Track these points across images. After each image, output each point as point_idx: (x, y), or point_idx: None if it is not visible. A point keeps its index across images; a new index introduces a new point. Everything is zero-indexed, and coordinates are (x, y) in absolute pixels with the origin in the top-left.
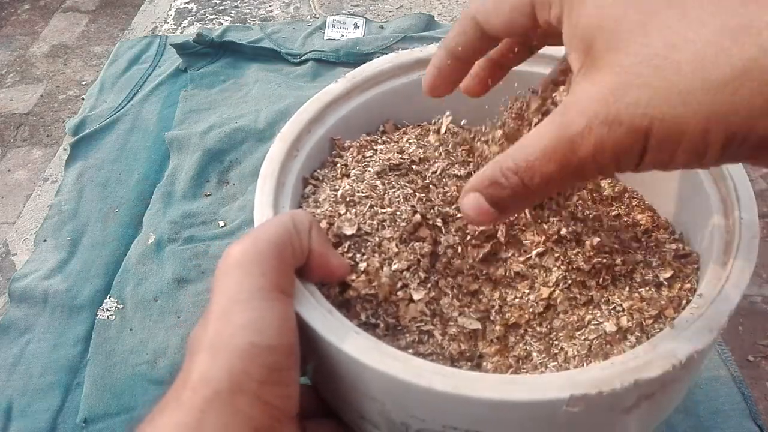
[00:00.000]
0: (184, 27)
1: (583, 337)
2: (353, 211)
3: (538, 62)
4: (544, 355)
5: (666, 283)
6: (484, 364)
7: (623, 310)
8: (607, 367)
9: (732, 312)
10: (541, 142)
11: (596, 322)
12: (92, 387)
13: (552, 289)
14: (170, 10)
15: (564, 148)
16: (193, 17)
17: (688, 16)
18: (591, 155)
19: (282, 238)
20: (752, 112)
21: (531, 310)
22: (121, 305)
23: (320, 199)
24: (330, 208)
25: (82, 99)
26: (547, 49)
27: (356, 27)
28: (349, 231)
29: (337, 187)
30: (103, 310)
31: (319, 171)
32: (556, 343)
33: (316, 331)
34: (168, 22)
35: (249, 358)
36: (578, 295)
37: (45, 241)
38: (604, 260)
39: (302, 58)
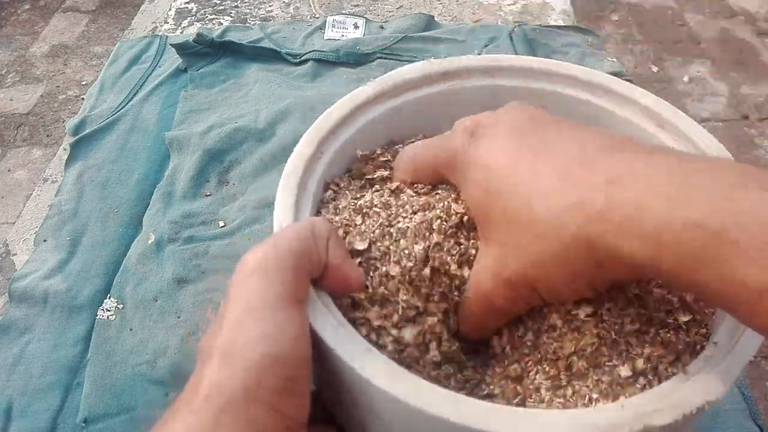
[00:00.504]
0: (184, 27)
1: (596, 378)
2: (368, 222)
3: (538, 78)
4: (551, 391)
5: (684, 327)
6: (490, 385)
7: (641, 354)
8: (618, 410)
9: (748, 363)
10: (469, 304)
11: (611, 364)
12: (92, 387)
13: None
14: (170, 10)
15: (483, 301)
16: (193, 17)
17: (528, 202)
18: (507, 304)
19: (301, 247)
20: (589, 268)
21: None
22: (121, 305)
23: (340, 206)
24: (348, 216)
25: (82, 99)
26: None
27: (356, 27)
28: (360, 246)
29: (358, 196)
30: (103, 310)
31: (341, 176)
32: (567, 379)
33: (327, 344)
34: (168, 22)
35: (264, 369)
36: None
37: (45, 241)
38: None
39: (302, 58)
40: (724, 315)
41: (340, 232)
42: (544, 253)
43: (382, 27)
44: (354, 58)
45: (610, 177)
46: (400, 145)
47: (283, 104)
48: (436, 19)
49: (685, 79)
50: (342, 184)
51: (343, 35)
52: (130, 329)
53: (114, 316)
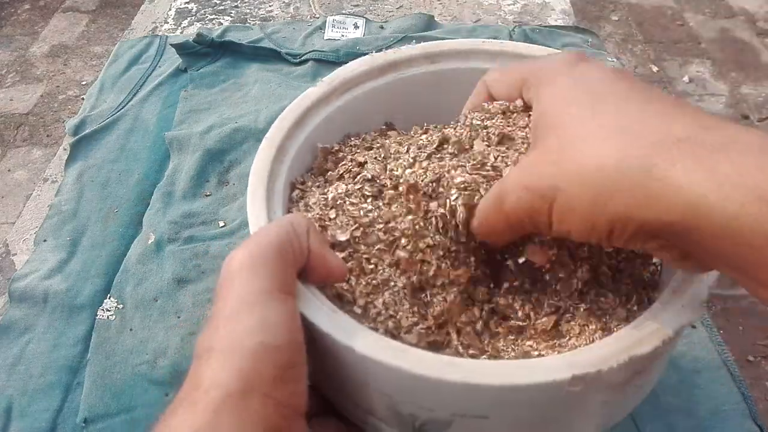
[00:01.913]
0: (184, 27)
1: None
2: (342, 216)
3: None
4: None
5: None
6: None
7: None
8: (603, 347)
9: (711, 285)
10: (487, 198)
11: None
12: (92, 387)
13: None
14: (170, 10)
15: (498, 201)
16: (193, 17)
17: (596, 115)
18: (512, 210)
19: (283, 240)
20: (628, 197)
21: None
22: (121, 305)
23: (310, 203)
24: (320, 212)
25: (82, 99)
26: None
27: (356, 27)
28: (342, 237)
29: (326, 191)
30: (103, 310)
31: (305, 175)
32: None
33: (323, 330)
34: (168, 22)
35: (259, 358)
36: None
37: (45, 241)
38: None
39: (302, 58)
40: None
41: (316, 226)
42: (588, 165)
43: (382, 27)
44: (354, 58)
45: (700, 122)
46: (355, 138)
47: (283, 104)
48: (436, 19)
49: (685, 79)
50: (308, 183)
51: (343, 35)
52: (130, 329)
53: (114, 316)
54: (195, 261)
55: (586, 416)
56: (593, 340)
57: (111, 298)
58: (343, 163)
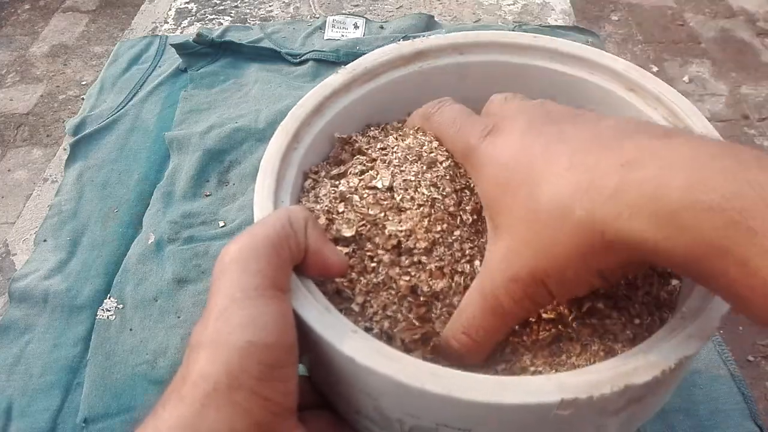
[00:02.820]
0: (184, 27)
1: (579, 349)
2: (350, 213)
3: (557, 59)
4: (540, 359)
5: (657, 296)
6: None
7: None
8: (598, 372)
9: (722, 318)
10: (473, 305)
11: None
12: (92, 387)
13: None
14: (170, 10)
15: (491, 305)
16: (193, 17)
17: (535, 188)
18: (512, 304)
19: (279, 235)
20: (599, 254)
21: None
22: (121, 305)
23: (320, 195)
24: (329, 204)
25: (82, 99)
26: (558, 44)
27: (356, 27)
28: (347, 233)
29: (338, 183)
30: (103, 310)
31: (320, 165)
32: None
33: (314, 329)
34: (168, 22)
35: (247, 356)
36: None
37: (45, 241)
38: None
39: (302, 58)
40: (691, 287)
41: (323, 219)
42: (552, 241)
43: (382, 27)
44: (354, 58)
45: (625, 160)
46: (375, 129)
47: (283, 104)
48: (436, 19)
49: (685, 79)
50: (322, 173)
51: (343, 35)
52: (130, 329)
53: (114, 316)
54: (195, 261)
55: None
56: (594, 362)
57: (111, 298)
58: (357, 156)
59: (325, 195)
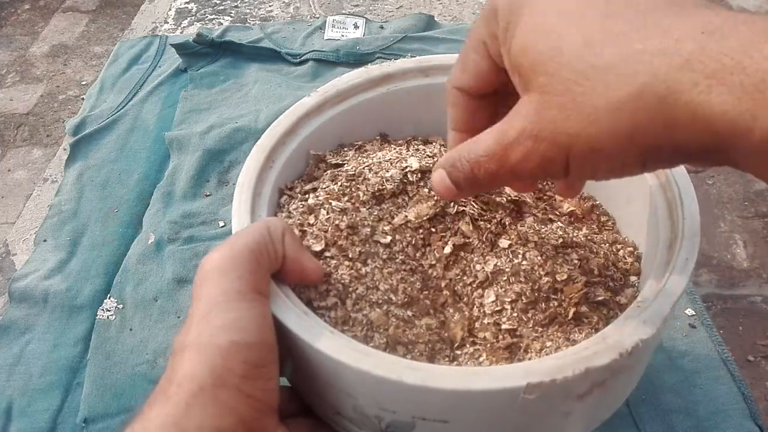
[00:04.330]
0: (184, 27)
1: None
2: (320, 220)
3: None
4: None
5: (615, 288)
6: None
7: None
8: (561, 357)
9: (675, 302)
10: (486, 144)
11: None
12: (92, 387)
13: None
14: (170, 10)
15: (501, 153)
16: (193, 17)
17: (592, 43)
18: (521, 162)
19: (257, 243)
20: (656, 129)
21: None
22: (121, 305)
23: (291, 209)
24: (300, 218)
25: (82, 99)
26: None
27: (356, 27)
28: (317, 247)
29: (307, 197)
30: (103, 310)
31: (295, 182)
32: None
33: (292, 331)
34: (168, 22)
35: (230, 355)
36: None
37: (45, 241)
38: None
39: (302, 58)
40: (654, 260)
41: (297, 232)
42: (601, 105)
43: (382, 27)
44: (354, 58)
45: (705, 27)
46: (349, 148)
47: (283, 104)
48: (436, 19)
49: None
50: (296, 189)
51: (343, 35)
52: (130, 329)
53: (114, 316)
54: (195, 261)
55: (548, 427)
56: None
57: (111, 298)
58: (328, 171)
59: (295, 209)
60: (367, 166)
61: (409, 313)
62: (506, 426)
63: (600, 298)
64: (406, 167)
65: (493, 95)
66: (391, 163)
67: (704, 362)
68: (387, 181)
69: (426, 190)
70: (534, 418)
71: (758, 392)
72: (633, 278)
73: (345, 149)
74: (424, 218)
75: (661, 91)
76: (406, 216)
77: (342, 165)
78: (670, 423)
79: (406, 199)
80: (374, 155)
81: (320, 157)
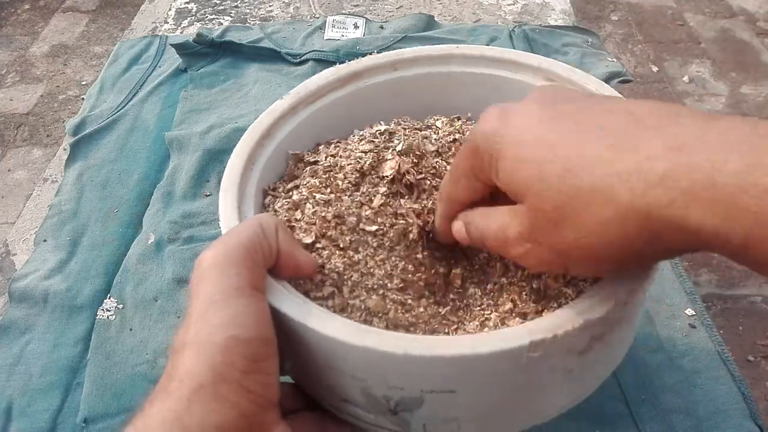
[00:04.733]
0: (184, 27)
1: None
2: (307, 214)
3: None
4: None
5: None
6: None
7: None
8: (559, 315)
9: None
10: (494, 228)
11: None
12: (92, 387)
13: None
14: (170, 10)
15: (502, 242)
16: (193, 17)
17: (572, 168)
18: (523, 257)
19: (251, 240)
20: (644, 239)
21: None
22: (121, 305)
23: (277, 207)
24: (286, 215)
25: (82, 99)
26: (527, 58)
27: (356, 27)
28: (307, 240)
29: (291, 194)
30: (103, 310)
31: (277, 182)
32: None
33: (293, 319)
34: (168, 22)
35: (230, 351)
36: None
37: (45, 241)
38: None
39: (302, 58)
40: None
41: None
42: (590, 222)
43: (382, 27)
44: (354, 58)
45: (672, 143)
46: (325, 146)
47: None
48: (436, 19)
49: (685, 79)
50: (279, 188)
51: (343, 35)
52: (130, 329)
53: (114, 316)
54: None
55: (552, 387)
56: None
57: (111, 298)
58: (307, 167)
59: (281, 207)
60: (339, 156)
61: (407, 296)
62: (512, 389)
63: None
64: (376, 130)
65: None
66: (359, 143)
67: (704, 362)
68: (360, 158)
69: (396, 145)
70: (538, 377)
71: (758, 392)
72: None
73: (321, 147)
74: (401, 171)
75: (642, 208)
76: (384, 175)
77: (318, 162)
78: (670, 423)
79: (383, 166)
80: (344, 146)
81: (299, 156)
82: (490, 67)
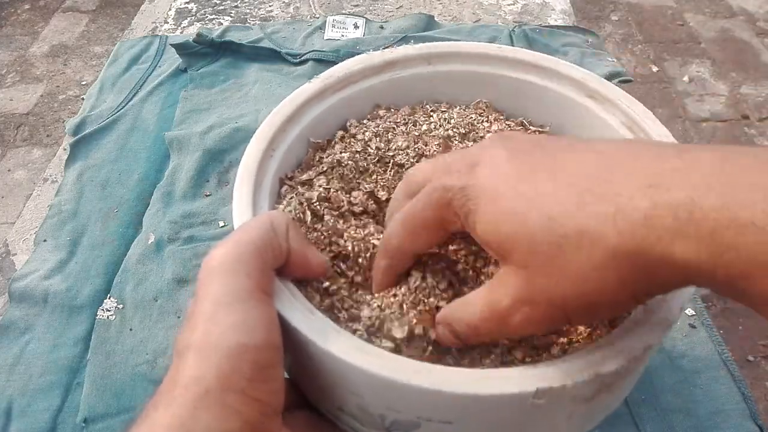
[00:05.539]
0: (184, 27)
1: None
2: (320, 207)
3: (520, 68)
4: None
5: None
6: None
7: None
8: (570, 362)
9: (682, 306)
10: (480, 309)
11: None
12: (92, 387)
13: None
14: (170, 10)
15: (498, 318)
16: (193, 17)
17: (555, 217)
18: (522, 324)
19: (262, 240)
20: (639, 278)
21: None
22: (121, 305)
23: (292, 201)
24: (299, 207)
25: (82, 99)
26: (522, 54)
27: (356, 27)
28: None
29: (303, 192)
30: (103, 310)
31: (294, 171)
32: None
33: (298, 330)
34: (168, 22)
35: (238, 357)
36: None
37: (45, 241)
38: None
39: (302, 58)
40: None
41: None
42: (584, 268)
43: (382, 27)
44: None
45: (649, 181)
46: (346, 134)
47: None
48: (436, 19)
49: (685, 79)
50: (296, 178)
51: (343, 35)
52: (130, 329)
53: (114, 316)
54: (195, 261)
55: (553, 427)
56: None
57: (111, 298)
58: (324, 159)
59: (291, 199)
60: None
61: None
62: (509, 426)
63: None
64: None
65: None
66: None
67: (704, 362)
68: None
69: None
70: (538, 420)
71: (758, 392)
72: None
73: (345, 134)
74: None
75: (632, 248)
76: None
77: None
78: (670, 423)
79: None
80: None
81: (319, 144)
82: (529, 73)
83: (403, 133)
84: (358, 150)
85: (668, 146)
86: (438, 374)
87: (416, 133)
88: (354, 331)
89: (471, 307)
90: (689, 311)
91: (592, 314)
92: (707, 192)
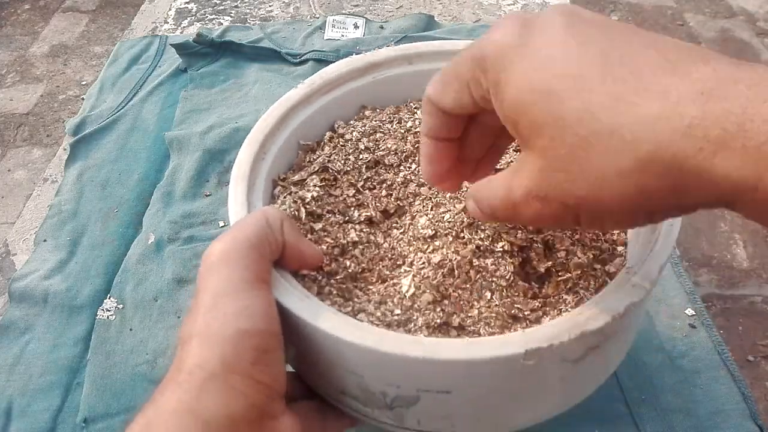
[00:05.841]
0: (184, 27)
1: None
2: (313, 205)
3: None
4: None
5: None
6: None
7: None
8: (556, 324)
9: (662, 267)
10: (498, 194)
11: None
12: (92, 387)
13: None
14: (170, 10)
15: (511, 207)
16: (193, 17)
17: (593, 108)
18: (533, 218)
19: (258, 234)
20: (663, 193)
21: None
22: (121, 305)
23: (286, 201)
24: (293, 205)
25: (82, 99)
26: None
27: (356, 27)
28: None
29: (296, 191)
30: (103, 310)
31: (287, 173)
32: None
33: (297, 315)
34: (168, 22)
35: (240, 343)
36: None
37: (45, 241)
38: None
39: (302, 58)
40: (633, 246)
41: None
42: (607, 171)
43: (382, 27)
44: None
45: (703, 87)
46: (335, 135)
47: None
48: (436, 19)
49: None
50: (288, 179)
51: (343, 35)
52: (130, 329)
53: (114, 316)
54: (195, 261)
55: (546, 393)
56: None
57: (111, 298)
58: (314, 160)
59: (286, 198)
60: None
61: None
62: (506, 392)
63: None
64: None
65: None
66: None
67: (704, 362)
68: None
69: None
70: (532, 383)
71: (758, 392)
72: (620, 248)
73: (334, 136)
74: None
75: (666, 158)
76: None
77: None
78: (670, 423)
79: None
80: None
81: (309, 147)
82: None
83: (389, 131)
84: (349, 150)
85: (727, 58)
86: (430, 344)
87: (402, 131)
88: (356, 313)
89: (492, 191)
90: (689, 311)
91: (602, 222)
92: (762, 104)
